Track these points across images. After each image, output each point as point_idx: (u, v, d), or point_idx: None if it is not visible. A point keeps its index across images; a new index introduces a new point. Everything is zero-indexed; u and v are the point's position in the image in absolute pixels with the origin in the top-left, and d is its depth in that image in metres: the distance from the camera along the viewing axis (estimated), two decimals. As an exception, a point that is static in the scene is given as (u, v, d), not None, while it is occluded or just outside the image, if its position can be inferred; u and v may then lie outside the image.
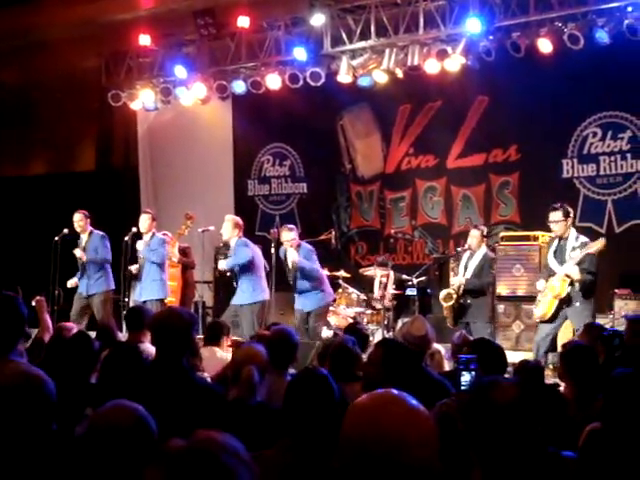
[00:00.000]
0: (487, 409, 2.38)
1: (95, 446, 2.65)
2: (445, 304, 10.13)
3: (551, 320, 9.07)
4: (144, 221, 10.76)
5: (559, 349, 9.32)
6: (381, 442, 1.80)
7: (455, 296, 10.03)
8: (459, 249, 10.63)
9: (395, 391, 1.94)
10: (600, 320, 9.05)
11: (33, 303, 7.29)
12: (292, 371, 5.31)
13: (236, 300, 10.36)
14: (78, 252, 10.86)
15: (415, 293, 11.10)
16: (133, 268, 10.92)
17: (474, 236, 10.27)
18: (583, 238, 9.06)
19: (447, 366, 7.11)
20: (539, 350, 9.03)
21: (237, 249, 10.37)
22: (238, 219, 10.68)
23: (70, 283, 11.03)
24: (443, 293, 10.19)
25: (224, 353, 7.01)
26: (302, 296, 10.46)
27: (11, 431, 3.20)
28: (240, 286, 10.37)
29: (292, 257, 10.21)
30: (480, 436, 2.36)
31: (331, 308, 11.43)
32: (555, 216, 9.05)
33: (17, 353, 4.33)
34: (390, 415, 1.84)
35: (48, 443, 3.27)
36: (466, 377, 4.02)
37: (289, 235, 10.46)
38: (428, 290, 11.54)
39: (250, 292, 10.29)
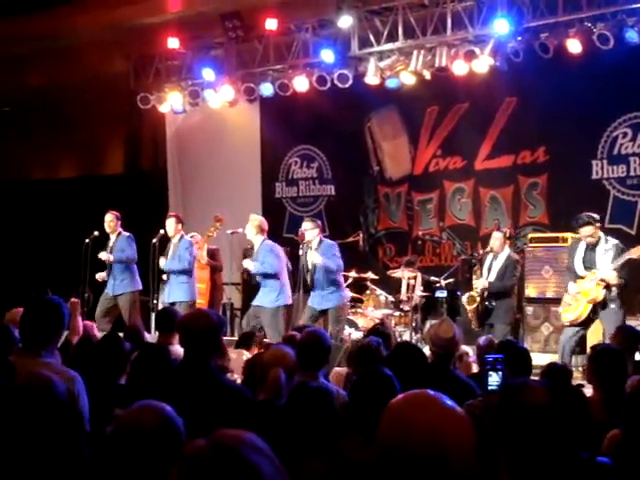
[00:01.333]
0: (517, 411, 2.36)
1: (121, 446, 2.67)
2: (469, 307, 10.06)
3: (582, 324, 9.02)
4: (170, 225, 10.80)
5: (588, 351, 9.34)
6: (416, 443, 1.79)
7: (479, 299, 9.96)
8: (481, 251, 10.56)
9: (430, 391, 1.93)
10: (630, 322, 8.98)
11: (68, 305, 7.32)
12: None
13: (258, 301, 10.29)
14: (104, 255, 10.94)
15: (445, 295, 11.04)
16: (99, 276, 11.07)
17: (497, 238, 10.20)
18: (613, 240, 9.01)
19: (475, 368, 7.10)
20: (564, 351, 8.98)
21: (263, 255, 10.27)
22: (262, 220, 10.63)
23: (99, 276, 11.10)
24: (466, 296, 10.13)
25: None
26: (318, 294, 10.21)
27: (20, 430, 3.24)
28: (263, 288, 10.31)
29: (314, 259, 10.08)
30: (509, 438, 2.34)
31: (359, 310, 11.43)
32: (587, 231, 8.99)
33: (50, 354, 4.37)
34: (424, 416, 1.83)
35: (59, 444, 3.32)
36: (494, 378, 3.99)
37: (307, 225, 10.34)
38: (458, 292, 11.47)
39: (274, 296, 10.21)
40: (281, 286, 10.30)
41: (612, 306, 8.86)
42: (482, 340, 6.66)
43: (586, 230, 9.00)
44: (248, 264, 10.36)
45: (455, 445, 1.80)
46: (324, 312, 10.19)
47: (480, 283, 10.02)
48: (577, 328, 9.08)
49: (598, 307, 8.91)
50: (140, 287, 11.18)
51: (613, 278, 8.76)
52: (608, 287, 8.83)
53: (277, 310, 10.19)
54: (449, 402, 1.89)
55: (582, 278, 9.01)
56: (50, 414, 3.34)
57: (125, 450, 2.64)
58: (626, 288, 8.95)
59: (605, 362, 4.79)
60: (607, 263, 8.82)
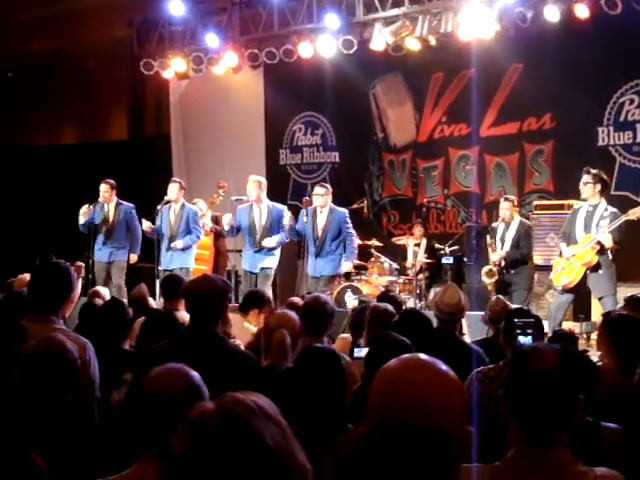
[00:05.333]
0: (526, 376, 2.36)
1: (147, 408, 2.67)
2: (488, 280, 9.90)
3: (574, 289, 8.97)
4: (173, 190, 10.82)
5: (593, 318, 9.33)
6: (402, 404, 1.79)
7: (497, 272, 9.84)
8: (494, 224, 10.44)
9: (423, 355, 1.92)
10: (635, 290, 8.95)
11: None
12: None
13: (263, 264, 10.42)
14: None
15: (451, 261, 10.98)
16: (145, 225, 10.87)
17: (505, 208, 10.04)
18: (613, 209, 8.93)
19: (466, 332, 7.08)
20: (555, 319, 8.89)
21: (289, 223, 10.41)
22: (262, 179, 10.79)
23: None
24: (485, 270, 9.96)
25: (248, 324, 6.94)
26: (319, 261, 10.23)
27: (32, 394, 3.26)
28: (266, 252, 10.42)
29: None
30: (519, 404, 2.34)
31: (363, 277, 11.42)
32: (583, 178, 8.97)
33: (59, 319, 4.37)
34: (413, 378, 1.83)
35: (71, 408, 3.33)
36: (524, 341, 3.95)
37: (320, 190, 10.34)
38: (464, 259, 11.39)
39: (274, 259, 10.43)
40: (279, 249, 10.58)
41: (600, 272, 8.81)
42: (494, 302, 6.54)
43: (583, 178, 8.99)
44: (269, 242, 10.40)
45: (442, 408, 1.79)
46: (318, 279, 10.27)
47: (496, 256, 9.91)
48: (569, 295, 9.02)
49: (589, 270, 8.84)
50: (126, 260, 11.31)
51: (608, 240, 8.67)
52: (602, 251, 8.78)
53: (271, 272, 10.44)
54: (442, 366, 1.88)
55: (577, 243, 8.98)
56: (63, 378, 3.35)
57: (149, 412, 2.65)
58: (619, 253, 8.87)
59: (623, 330, 4.77)
60: (603, 227, 8.78)
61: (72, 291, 4.41)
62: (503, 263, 9.88)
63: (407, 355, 1.96)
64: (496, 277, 9.83)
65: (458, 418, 1.82)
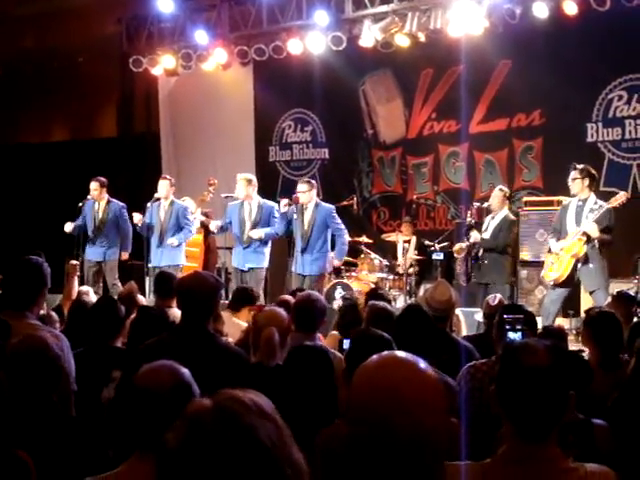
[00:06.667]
0: (516, 371, 2.37)
1: (136, 405, 2.67)
2: (457, 255, 10.12)
3: (566, 283, 8.99)
4: (163, 187, 10.77)
5: (582, 314, 9.34)
6: (380, 400, 1.81)
7: (465, 248, 9.99)
8: (477, 204, 10.61)
9: (402, 353, 1.94)
10: (624, 285, 8.98)
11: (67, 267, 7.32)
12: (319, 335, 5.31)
13: (251, 263, 10.32)
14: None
15: (441, 258, 11.02)
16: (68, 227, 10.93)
17: (495, 196, 10.20)
18: (602, 202, 8.96)
19: (465, 329, 7.09)
20: (549, 315, 8.92)
21: (272, 219, 10.31)
22: (252, 176, 10.67)
23: (68, 228, 11.05)
24: (456, 246, 10.24)
25: (239, 320, 6.93)
26: (305, 259, 10.06)
27: (16, 392, 3.25)
28: (257, 249, 10.33)
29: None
30: (510, 399, 2.36)
31: (353, 274, 11.42)
32: (571, 174, 9.02)
33: (34, 315, 4.36)
34: (391, 374, 1.85)
35: (51, 403, 3.34)
36: (514, 337, 3.97)
37: (303, 187, 10.15)
38: (454, 255, 11.43)
39: (264, 257, 10.33)
40: (269, 248, 10.45)
41: (591, 265, 8.82)
42: (491, 299, 6.55)
43: (571, 174, 9.03)
44: (256, 233, 10.30)
45: (420, 404, 1.80)
46: (305, 277, 10.12)
47: (473, 235, 10.04)
48: (561, 290, 9.03)
49: (579, 263, 8.86)
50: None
51: (594, 230, 8.68)
52: (589, 241, 8.80)
53: (264, 271, 10.34)
54: (420, 364, 1.89)
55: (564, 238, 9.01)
56: (47, 375, 3.35)
57: (140, 410, 2.65)
58: (610, 243, 8.90)
59: (602, 326, 4.80)
60: (590, 219, 8.82)
61: (45, 287, 4.40)
62: (481, 251, 10.00)
63: (386, 352, 1.98)
64: (463, 253, 10.10)
65: (437, 413, 1.83)
